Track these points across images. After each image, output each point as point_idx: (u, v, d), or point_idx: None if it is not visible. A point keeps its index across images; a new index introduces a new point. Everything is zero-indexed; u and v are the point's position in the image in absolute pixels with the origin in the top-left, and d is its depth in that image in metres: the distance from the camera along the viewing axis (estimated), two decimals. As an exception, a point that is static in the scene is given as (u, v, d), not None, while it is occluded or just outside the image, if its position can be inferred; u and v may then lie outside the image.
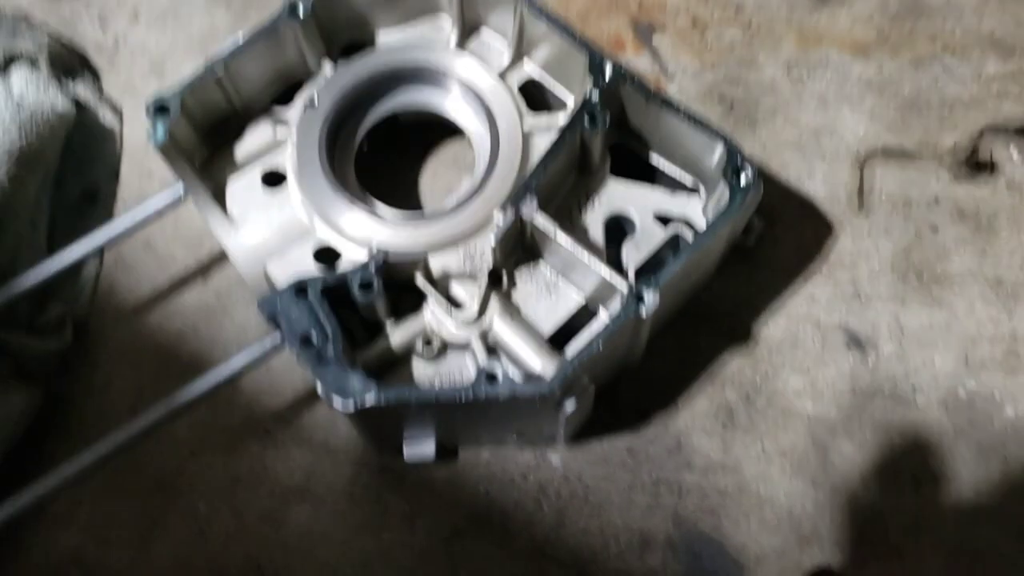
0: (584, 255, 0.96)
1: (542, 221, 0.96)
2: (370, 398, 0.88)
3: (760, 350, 1.12)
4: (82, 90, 1.22)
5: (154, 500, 1.08)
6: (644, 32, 1.25)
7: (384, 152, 1.18)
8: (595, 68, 1.00)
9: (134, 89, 1.25)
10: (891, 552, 1.02)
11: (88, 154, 1.21)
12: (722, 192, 0.99)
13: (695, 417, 1.09)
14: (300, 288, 0.93)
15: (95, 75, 1.26)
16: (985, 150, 1.18)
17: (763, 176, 1.15)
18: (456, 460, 1.08)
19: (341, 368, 0.90)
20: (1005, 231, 1.15)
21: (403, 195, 1.19)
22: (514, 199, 0.97)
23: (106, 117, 1.23)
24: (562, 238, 0.96)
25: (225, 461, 1.09)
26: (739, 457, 1.07)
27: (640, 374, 1.09)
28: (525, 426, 1.02)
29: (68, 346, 1.11)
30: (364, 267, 0.94)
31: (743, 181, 0.97)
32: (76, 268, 1.12)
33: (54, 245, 1.14)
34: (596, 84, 1.00)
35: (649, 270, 0.98)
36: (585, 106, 1.00)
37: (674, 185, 1.07)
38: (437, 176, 1.20)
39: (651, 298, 0.93)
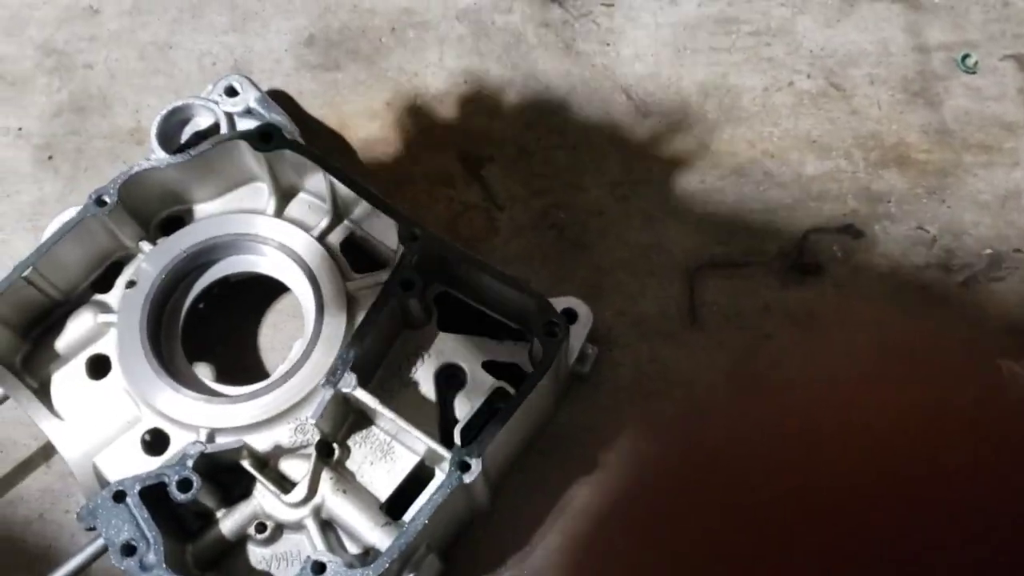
0: (408, 426, 0.97)
1: (363, 396, 0.97)
2: (194, 605, 0.88)
3: (607, 476, 1.13)
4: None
5: None
6: (473, 165, 1.27)
7: (222, 309, 1.18)
8: (405, 235, 1.02)
9: (-36, 270, 1.24)
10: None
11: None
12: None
13: (549, 554, 1.10)
14: (119, 493, 0.93)
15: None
16: (810, 252, 1.22)
17: (596, 300, 1.18)
18: (313, 627, 1.08)
19: (164, 574, 0.89)
20: (834, 331, 1.18)
21: (242, 352, 1.18)
22: (333, 374, 0.98)
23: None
24: (385, 411, 0.97)
25: (79, 654, 1.07)
26: (594, 591, 1.08)
27: (492, 516, 1.10)
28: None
29: (-92, 551, 1.09)
30: (181, 464, 0.94)
31: (556, 334, 0.99)
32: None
33: None
34: (408, 250, 1.01)
35: (477, 426, 0.99)
36: (397, 272, 1.01)
37: (505, 329, 1.08)
38: (277, 328, 1.20)
39: (474, 466, 0.94)
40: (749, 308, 1.19)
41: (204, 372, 1.15)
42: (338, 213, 1.10)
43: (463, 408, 1.03)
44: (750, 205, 1.24)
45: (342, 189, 1.06)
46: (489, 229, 1.24)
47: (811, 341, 1.19)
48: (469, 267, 1.01)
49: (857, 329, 1.19)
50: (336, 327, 1.05)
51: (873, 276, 1.20)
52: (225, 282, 1.14)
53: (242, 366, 1.17)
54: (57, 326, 1.06)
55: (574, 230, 1.23)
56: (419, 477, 1.01)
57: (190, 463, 0.93)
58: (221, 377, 1.15)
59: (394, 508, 1.00)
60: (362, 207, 1.07)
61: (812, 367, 1.17)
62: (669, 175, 1.25)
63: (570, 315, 1.12)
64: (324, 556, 0.91)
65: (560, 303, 1.12)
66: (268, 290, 1.19)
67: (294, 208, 1.12)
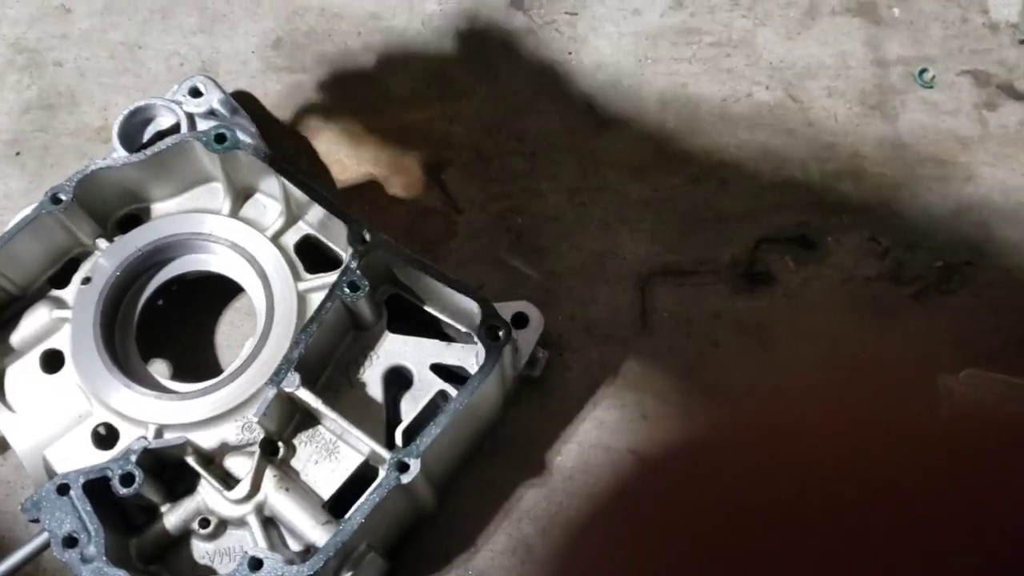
0: (350, 427, 0.98)
1: (306, 396, 0.99)
2: (132, 597, 0.90)
3: (554, 480, 1.15)
4: None
5: None
6: (433, 169, 1.28)
7: (180, 307, 1.20)
8: (354, 237, 1.03)
9: (-71, 263, 1.25)
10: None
11: None
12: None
13: (495, 556, 1.12)
14: (62, 486, 0.94)
15: None
16: (762, 262, 1.23)
17: (549, 305, 1.19)
18: (259, 622, 1.09)
19: (104, 567, 0.91)
20: (784, 341, 1.20)
21: (199, 349, 1.20)
22: (277, 373, 0.99)
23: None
24: (327, 412, 0.98)
25: (28, 644, 1.09)
26: (536, 592, 1.10)
27: (439, 516, 1.12)
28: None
29: None
30: (125, 459, 0.95)
31: (499, 337, 1.00)
32: None
33: None
34: (355, 252, 1.03)
35: (420, 427, 1.01)
36: (345, 274, 1.02)
37: (453, 332, 1.10)
38: (234, 326, 1.22)
39: (413, 466, 0.96)
40: (700, 316, 1.21)
41: (161, 369, 1.17)
42: (292, 214, 1.11)
43: (409, 409, 1.05)
44: (704, 214, 1.25)
45: (295, 191, 1.07)
46: (447, 232, 1.26)
47: (760, 350, 1.21)
48: (417, 271, 1.03)
49: (805, 339, 1.21)
50: (286, 326, 1.06)
51: (824, 286, 1.22)
52: (183, 280, 1.16)
53: (199, 363, 1.19)
54: (12, 320, 1.08)
55: (530, 235, 1.25)
56: (364, 477, 1.02)
57: (134, 458, 0.95)
58: (178, 374, 1.17)
59: (338, 508, 1.01)
60: (315, 209, 1.09)
61: (760, 378, 1.19)
62: (625, 183, 1.27)
63: (521, 319, 1.13)
64: (262, 552, 0.92)
65: (512, 307, 1.13)
66: (226, 288, 1.20)
67: (249, 208, 1.13)
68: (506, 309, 1.12)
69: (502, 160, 1.29)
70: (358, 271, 1.02)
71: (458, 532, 1.12)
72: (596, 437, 1.16)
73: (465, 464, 1.13)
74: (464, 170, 1.28)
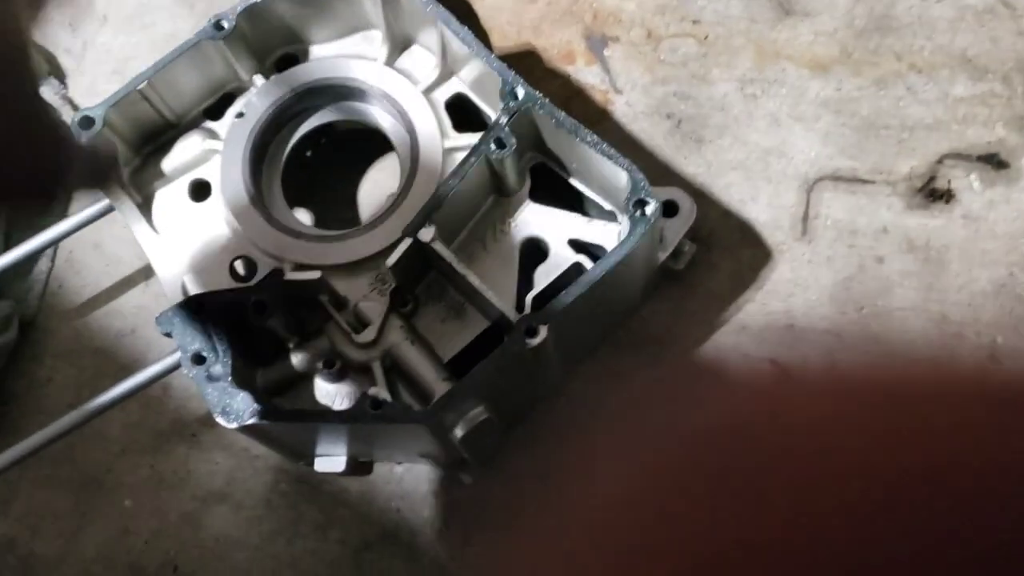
0: (483, 288, 0.95)
1: (441, 249, 0.96)
2: (252, 418, 0.90)
3: (686, 379, 1.09)
4: (47, 91, 1.26)
5: (84, 495, 1.12)
6: (597, 44, 1.22)
7: (326, 159, 1.19)
8: (506, 91, 0.99)
9: (97, 91, 1.28)
10: None
11: (49, 154, 1.25)
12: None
13: (611, 440, 1.07)
14: (197, 306, 0.95)
15: (62, 78, 1.30)
16: (943, 178, 1.12)
17: (703, 198, 1.13)
18: (370, 474, 1.09)
19: (228, 387, 0.92)
20: (955, 265, 1.09)
21: (342, 201, 1.20)
22: (415, 224, 0.97)
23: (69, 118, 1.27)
24: (461, 269, 0.96)
25: (152, 462, 1.12)
26: (651, 488, 1.05)
27: (562, 397, 1.09)
28: (428, 448, 1.03)
29: (15, 342, 1.16)
30: (258, 288, 0.95)
31: (646, 213, 0.95)
32: (26, 266, 1.17)
33: (11, 242, 1.19)
34: (506, 108, 0.99)
35: (550, 297, 0.97)
36: (492, 130, 0.98)
37: (597, 209, 1.05)
38: (377, 184, 1.21)
39: (542, 331, 0.92)
40: (866, 228, 1.11)
41: (303, 217, 1.17)
42: (447, 69, 1.08)
43: (542, 280, 1.01)
44: (886, 120, 1.15)
45: (454, 44, 1.04)
46: (603, 112, 1.20)
47: (927, 272, 1.11)
48: (569, 134, 0.98)
49: (980, 266, 1.09)
50: (429, 182, 1.03)
51: (1010, 211, 1.10)
52: (330, 131, 1.15)
53: (339, 217, 1.19)
54: (166, 147, 1.09)
55: (692, 124, 1.18)
56: (489, 342, 1.00)
57: (267, 287, 0.95)
58: (319, 224, 1.17)
59: (459, 369, 0.99)
60: (471, 66, 1.05)
61: (923, 301, 1.08)
62: (805, 78, 1.17)
63: (672, 207, 1.07)
64: (382, 393, 0.91)
65: (664, 193, 1.07)
66: (373, 146, 1.19)
67: (405, 60, 1.10)
68: (657, 194, 1.06)
69: (673, 42, 1.21)
70: (507, 128, 0.98)
71: (578, 417, 1.09)
72: (735, 341, 1.10)
73: (594, 347, 1.09)
74: (630, 49, 1.21)
